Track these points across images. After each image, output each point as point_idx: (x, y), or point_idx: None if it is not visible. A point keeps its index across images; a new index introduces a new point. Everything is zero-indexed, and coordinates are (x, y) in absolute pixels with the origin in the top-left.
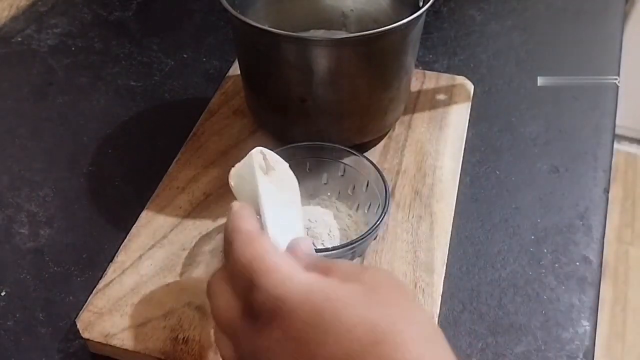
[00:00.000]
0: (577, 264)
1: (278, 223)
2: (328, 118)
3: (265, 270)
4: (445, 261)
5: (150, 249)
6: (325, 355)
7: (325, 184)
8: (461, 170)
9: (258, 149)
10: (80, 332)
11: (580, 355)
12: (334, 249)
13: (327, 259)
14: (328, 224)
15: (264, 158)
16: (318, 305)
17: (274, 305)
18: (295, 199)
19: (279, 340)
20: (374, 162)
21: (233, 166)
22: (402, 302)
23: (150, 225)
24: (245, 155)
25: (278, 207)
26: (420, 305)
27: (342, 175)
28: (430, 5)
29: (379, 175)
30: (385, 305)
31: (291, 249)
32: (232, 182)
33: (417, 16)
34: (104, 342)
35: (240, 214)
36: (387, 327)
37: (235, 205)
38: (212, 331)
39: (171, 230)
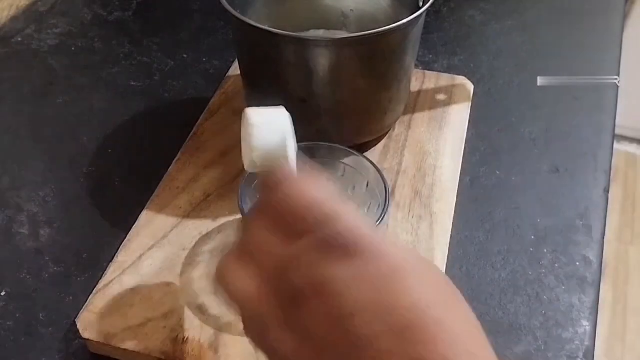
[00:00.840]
0: (577, 264)
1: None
2: (328, 118)
3: (345, 211)
4: (445, 261)
5: (150, 249)
6: (409, 301)
7: None
8: (461, 170)
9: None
10: (80, 332)
11: (580, 355)
12: None
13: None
14: None
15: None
16: (402, 260)
17: (362, 241)
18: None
19: (364, 274)
20: (374, 162)
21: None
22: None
23: (150, 225)
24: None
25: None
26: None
27: (342, 176)
28: (430, 5)
29: (379, 175)
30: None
31: None
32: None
33: (417, 16)
34: (104, 342)
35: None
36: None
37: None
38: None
39: (171, 230)
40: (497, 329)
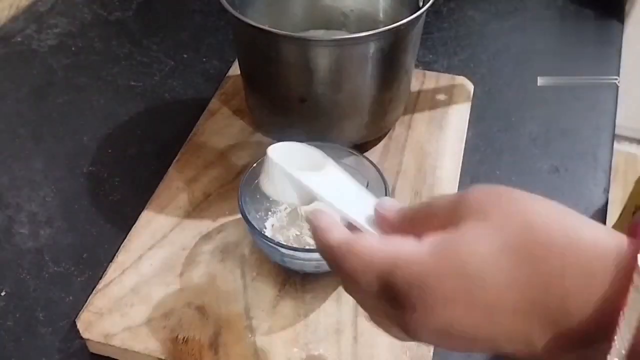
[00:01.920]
0: None
1: (347, 201)
2: (328, 118)
3: (393, 267)
4: None
5: (150, 249)
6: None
7: None
8: (461, 170)
9: (270, 149)
10: (80, 332)
11: None
12: None
13: (417, 208)
14: None
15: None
16: (454, 259)
17: (420, 285)
18: (330, 169)
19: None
20: (374, 162)
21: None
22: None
23: (150, 225)
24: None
25: (333, 189)
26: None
27: None
28: (430, 5)
29: (379, 175)
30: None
31: (379, 214)
32: (267, 191)
33: (417, 16)
34: (104, 342)
35: (322, 229)
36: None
37: (313, 216)
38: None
39: (171, 230)
40: None
